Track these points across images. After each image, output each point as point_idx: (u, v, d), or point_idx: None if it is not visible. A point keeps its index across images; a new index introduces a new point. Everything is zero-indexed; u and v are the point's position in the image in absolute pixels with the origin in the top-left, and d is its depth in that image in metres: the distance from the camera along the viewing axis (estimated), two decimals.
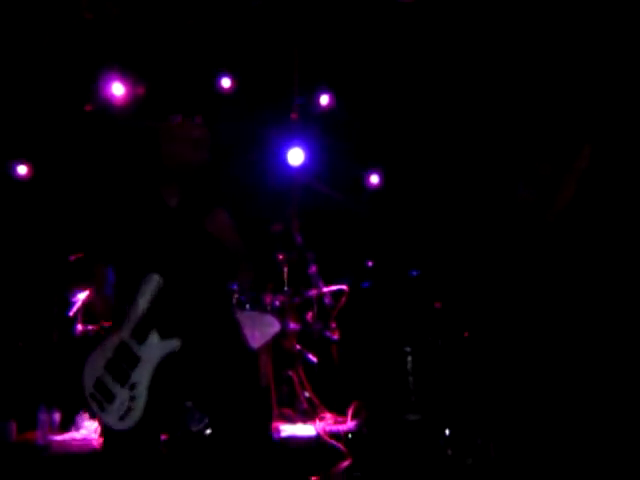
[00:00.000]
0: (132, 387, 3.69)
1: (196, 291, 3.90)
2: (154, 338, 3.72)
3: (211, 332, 3.94)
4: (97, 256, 3.99)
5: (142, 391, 3.68)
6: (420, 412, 5.40)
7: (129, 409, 3.66)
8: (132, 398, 3.67)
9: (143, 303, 3.74)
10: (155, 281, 3.77)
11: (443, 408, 5.39)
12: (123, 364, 3.72)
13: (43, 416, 5.79)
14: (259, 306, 6.65)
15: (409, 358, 5.73)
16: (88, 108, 7.11)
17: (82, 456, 5.45)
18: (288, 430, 6.06)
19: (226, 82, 7.25)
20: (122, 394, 3.69)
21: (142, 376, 3.69)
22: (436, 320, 6.42)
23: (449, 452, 4.95)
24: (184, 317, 3.82)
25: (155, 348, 3.72)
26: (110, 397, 3.71)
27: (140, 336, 3.73)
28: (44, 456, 5.47)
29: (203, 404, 4.07)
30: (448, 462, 4.98)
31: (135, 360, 3.72)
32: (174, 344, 3.72)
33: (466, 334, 6.34)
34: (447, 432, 5.05)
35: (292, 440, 5.84)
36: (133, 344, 3.73)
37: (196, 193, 4.03)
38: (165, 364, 3.74)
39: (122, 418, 3.67)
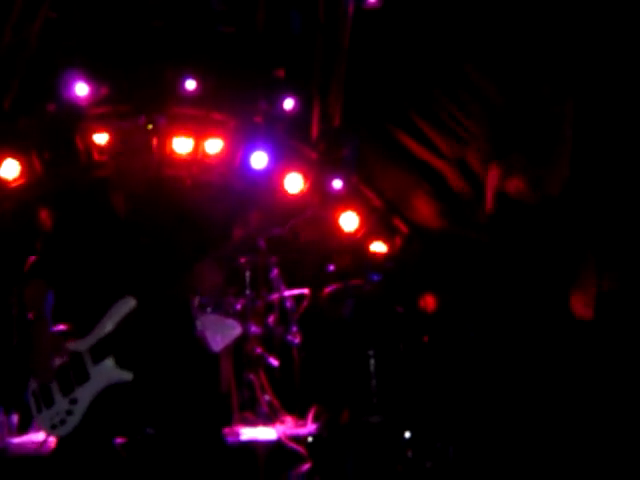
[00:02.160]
0: (72, 401, 3.63)
1: (163, 315, 3.81)
2: (109, 363, 3.66)
3: (172, 363, 3.86)
4: (38, 273, 3.85)
5: (80, 409, 3.62)
6: (382, 414, 5.43)
7: (62, 421, 3.62)
8: (69, 412, 3.62)
9: (110, 324, 3.68)
10: (130, 305, 3.70)
11: (404, 411, 5.43)
12: (72, 375, 3.66)
13: (1, 418, 5.73)
14: (221, 309, 6.65)
15: (372, 361, 5.76)
16: (50, 107, 7.05)
17: (40, 458, 5.38)
18: (249, 433, 6.05)
19: (191, 84, 7.21)
20: (61, 404, 3.64)
21: (85, 395, 3.63)
22: (398, 324, 6.47)
23: (409, 454, 4.98)
24: (146, 349, 3.74)
25: (107, 373, 3.65)
26: (49, 402, 3.65)
27: (97, 355, 3.66)
28: (1, 458, 5.41)
29: (158, 424, 3.96)
30: (408, 464, 5.01)
31: (84, 376, 3.66)
32: (125, 376, 3.65)
33: (425, 339, 6.40)
34: (407, 434, 5.07)
35: (253, 443, 5.83)
36: (87, 360, 3.67)
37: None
38: (111, 390, 3.67)
39: (54, 427, 3.63)
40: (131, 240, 3.90)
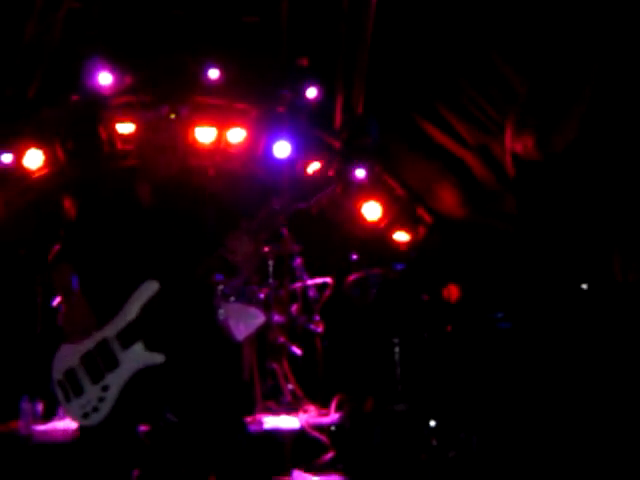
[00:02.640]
0: (104, 388, 3.58)
1: (187, 302, 3.78)
2: (139, 347, 3.62)
3: (197, 350, 3.85)
4: (63, 259, 3.84)
5: (113, 395, 3.58)
6: (406, 403, 5.42)
7: (95, 409, 3.57)
8: (101, 399, 3.58)
9: (135, 308, 3.64)
10: (153, 289, 3.66)
11: (429, 399, 5.41)
12: (100, 363, 3.62)
13: (26, 406, 5.77)
14: (244, 298, 6.65)
15: (396, 349, 5.74)
16: (74, 97, 7.07)
17: (64, 445, 5.42)
18: (272, 422, 6.05)
19: (213, 73, 7.21)
20: (92, 392, 3.60)
21: (116, 381, 3.59)
22: (422, 313, 6.45)
23: (434, 443, 4.96)
24: (173, 332, 3.72)
25: (137, 357, 3.62)
26: (79, 391, 3.61)
27: (125, 341, 3.62)
28: (26, 446, 5.45)
29: (180, 412, 3.96)
30: (432, 453, 4.99)
31: (114, 363, 3.62)
32: (157, 359, 3.62)
33: (449, 328, 6.37)
34: (433, 423, 5.05)
35: (275, 432, 5.83)
36: (116, 346, 3.63)
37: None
38: (143, 374, 3.63)
39: (86, 416, 3.59)
40: (154, 227, 3.88)
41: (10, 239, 6.79)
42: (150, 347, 3.62)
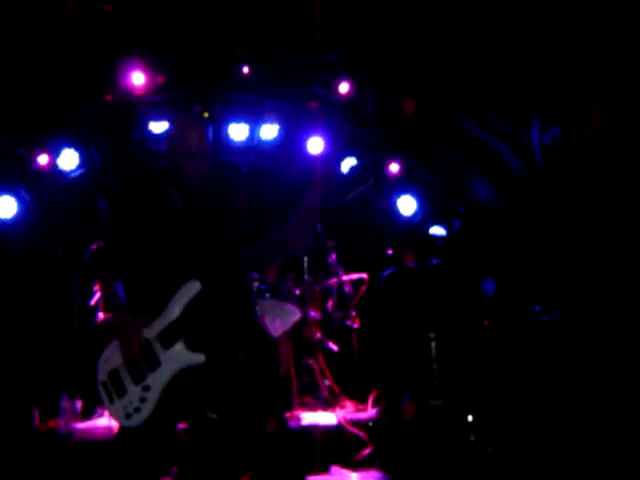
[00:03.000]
0: (145, 388, 3.63)
1: (227, 301, 3.85)
2: (180, 347, 3.65)
3: (236, 348, 3.87)
4: (106, 266, 3.86)
5: (154, 395, 3.61)
6: (443, 398, 5.39)
7: (137, 409, 3.61)
8: (142, 399, 3.62)
9: (177, 308, 3.68)
10: (195, 288, 3.69)
11: (466, 394, 5.37)
12: (142, 363, 3.66)
13: (65, 404, 5.82)
14: (279, 295, 6.66)
15: (433, 344, 5.71)
16: (108, 97, 7.11)
17: (103, 444, 5.46)
18: (309, 418, 6.05)
19: (245, 70, 7.21)
20: (134, 392, 3.64)
21: (158, 380, 3.63)
22: (458, 307, 6.41)
23: (471, 438, 4.92)
24: (214, 332, 3.78)
25: (179, 357, 3.64)
26: (121, 391, 3.66)
27: (166, 341, 3.66)
28: (66, 444, 5.50)
29: (219, 409, 3.97)
30: (470, 448, 4.96)
31: (155, 363, 3.66)
32: (198, 359, 3.64)
33: (485, 322, 6.32)
34: (470, 418, 5.02)
35: (313, 428, 5.83)
36: (157, 347, 3.67)
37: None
38: (184, 374, 3.67)
39: (128, 416, 3.62)
40: (189, 227, 3.92)
41: (48, 239, 6.85)
42: (191, 347, 3.64)
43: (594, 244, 5.54)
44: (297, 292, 6.73)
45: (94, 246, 6.02)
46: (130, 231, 3.88)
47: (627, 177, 4.62)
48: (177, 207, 3.94)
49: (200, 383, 3.80)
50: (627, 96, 4.50)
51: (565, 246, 5.90)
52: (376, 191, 7.85)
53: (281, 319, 6.49)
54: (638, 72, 4.46)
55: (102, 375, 3.73)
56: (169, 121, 7.22)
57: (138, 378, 3.64)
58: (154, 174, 4.34)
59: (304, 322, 6.65)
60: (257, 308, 6.33)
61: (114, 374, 3.69)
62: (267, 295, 6.61)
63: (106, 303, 3.87)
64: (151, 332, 3.68)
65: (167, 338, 3.66)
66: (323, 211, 6.89)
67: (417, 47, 6.98)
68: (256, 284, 6.44)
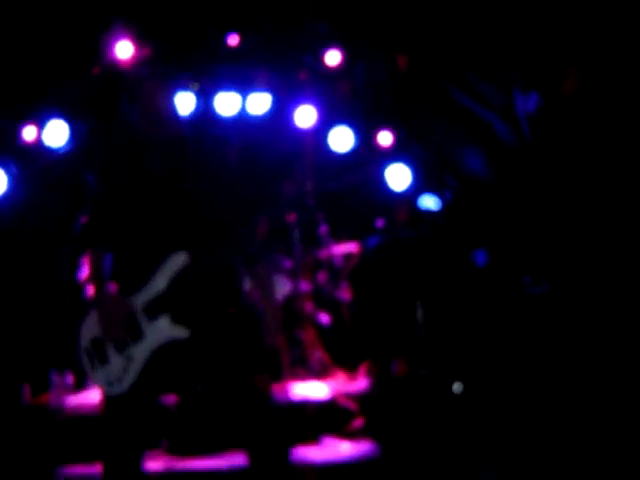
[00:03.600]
0: (128, 358, 3.59)
1: (215, 274, 3.74)
2: (165, 320, 3.60)
3: (221, 327, 3.77)
4: (94, 242, 3.82)
5: (137, 366, 3.57)
6: (430, 366, 5.41)
7: (119, 378, 3.57)
8: (125, 369, 3.57)
9: (163, 279, 3.62)
10: (181, 259, 3.63)
11: (454, 362, 5.40)
12: (126, 334, 3.61)
13: (56, 379, 5.82)
14: (270, 267, 6.66)
15: (420, 312, 5.72)
16: (95, 71, 7.05)
17: (95, 418, 5.46)
18: (300, 390, 6.07)
19: (233, 39, 7.15)
20: (117, 361, 3.59)
21: (141, 352, 3.59)
22: (449, 277, 6.42)
23: (458, 407, 4.96)
24: (200, 306, 3.69)
25: (163, 330, 3.60)
26: (104, 359, 3.62)
27: (151, 313, 3.61)
28: (57, 418, 5.51)
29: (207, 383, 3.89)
30: (458, 416, 4.99)
31: (139, 334, 3.61)
32: (182, 333, 3.59)
33: (477, 292, 6.33)
34: (456, 387, 5.05)
35: (304, 400, 5.86)
36: (142, 318, 3.62)
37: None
38: (167, 348, 3.61)
39: (110, 384, 3.59)
40: (174, 197, 3.80)
41: (37, 214, 6.83)
42: (176, 320, 3.59)
43: (583, 214, 5.53)
44: (287, 264, 6.73)
45: (83, 220, 6.00)
46: (116, 203, 3.79)
47: (611, 139, 4.60)
48: (158, 175, 3.84)
49: (187, 356, 3.68)
50: (602, 56, 4.49)
51: (555, 218, 5.90)
52: (367, 161, 7.82)
53: (273, 291, 6.51)
54: (611, 32, 4.44)
55: (85, 341, 3.68)
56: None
57: (121, 347, 3.59)
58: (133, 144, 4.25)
59: (295, 294, 6.66)
60: (247, 280, 6.34)
61: (97, 342, 3.64)
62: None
63: (93, 277, 3.75)
64: (136, 303, 3.63)
65: (152, 310, 3.61)
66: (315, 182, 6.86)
67: (406, 16, 6.93)
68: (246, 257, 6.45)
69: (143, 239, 3.74)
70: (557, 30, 4.77)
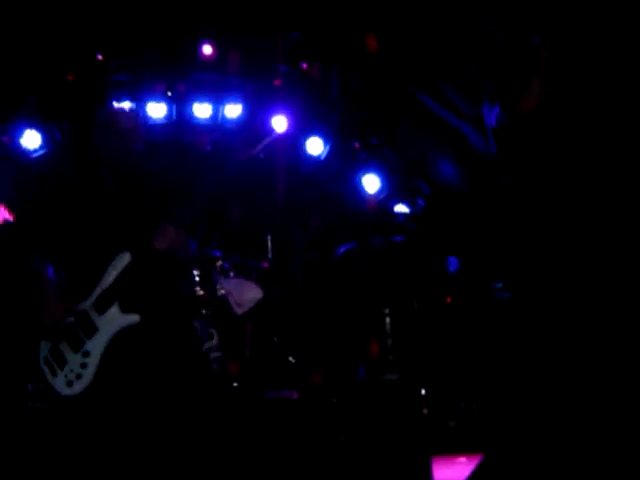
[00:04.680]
0: (85, 354, 3.70)
1: (157, 269, 3.89)
2: (114, 310, 3.73)
3: (167, 312, 3.93)
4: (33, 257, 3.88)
5: (94, 360, 3.68)
6: (398, 372, 5.44)
7: (78, 375, 3.67)
8: (83, 365, 3.68)
9: (110, 277, 3.76)
10: (126, 258, 3.78)
11: (421, 369, 5.45)
12: (80, 332, 3.72)
13: None
14: (243, 273, 6.70)
15: (387, 319, 5.77)
16: (70, 77, 7.10)
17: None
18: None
19: (208, 49, 7.21)
20: (74, 360, 3.69)
21: (96, 345, 3.70)
22: (421, 283, 6.47)
23: (425, 411, 5.01)
24: (146, 294, 3.83)
25: (114, 320, 3.73)
26: (62, 362, 3.71)
27: (101, 307, 3.73)
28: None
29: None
30: (426, 422, 5.04)
31: (92, 329, 3.72)
32: (132, 319, 3.74)
33: (449, 299, 6.40)
34: (423, 392, 5.10)
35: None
36: (93, 314, 3.73)
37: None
38: (121, 337, 3.74)
39: (70, 384, 3.67)
40: (122, 206, 3.93)
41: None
42: (124, 309, 3.72)
43: (555, 219, 5.61)
44: (261, 270, 6.78)
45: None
46: (65, 212, 3.88)
47: (575, 152, 4.68)
48: (109, 186, 3.94)
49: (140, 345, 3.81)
50: (567, 70, 4.56)
51: (527, 224, 5.97)
52: (341, 169, 7.90)
53: (244, 297, 6.54)
54: (582, 47, 4.52)
55: (44, 351, 3.75)
56: (132, 100, 7.22)
57: (77, 346, 3.69)
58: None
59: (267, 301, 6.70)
60: (219, 286, 6.38)
61: (55, 349, 3.72)
62: (231, 274, 6.66)
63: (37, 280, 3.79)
64: (87, 304, 3.74)
65: (102, 304, 3.73)
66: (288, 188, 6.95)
67: (380, 25, 7.01)
68: (219, 263, 6.49)
69: (91, 246, 3.86)
70: (524, 39, 4.85)
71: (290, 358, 6.63)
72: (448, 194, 7.58)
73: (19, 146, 6.99)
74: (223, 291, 6.44)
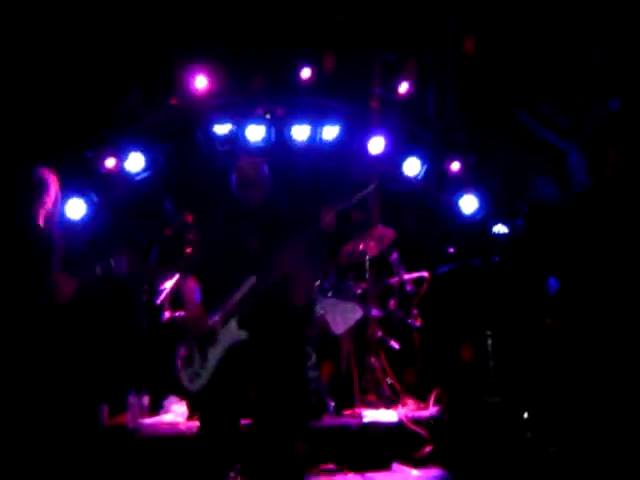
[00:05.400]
0: (205, 359, 4.39)
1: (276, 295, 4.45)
2: (232, 324, 4.39)
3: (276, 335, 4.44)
4: (188, 271, 4.65)
5: (210, 366, 4.36)
6: (500, 395, 5.38)
7: (197, 374, 4.37)
8: (202, 366, 4.38)
9: (237, 297, 4.41)
10: (251, 281, 4.40)
11: (523, 391, 5.36)
12: (206, 338, 4.40)
13: (133, 400, 5.98)
14: (342, 293, 6.72)
15: (489, 341, 5.71)
16: (173, 102, 7.27)
17: (170, 439, 5.61)
18: (371, 416, 6.10)
19: (306, 72, 7.30)
20: (197, 361, 4.40)
21: (215, 352, 4.37)
22: (520, 305, 6.38)
23: (528, 435, 4.92)
24: (260, 316, 4.40)
25: (230, 333, 4.39)
26: (190, 361, 4.42)
27: (225, 320, 4.40)
28: (134, 438, 5.65)
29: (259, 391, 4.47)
30: (527, 445, 4.95)
31: (214, 339, 4.39)
32: (242, 335, 4.37)
33: (549, 321, 6.28)
34: (525, 415, 5.02)
35: (375, 425, 5.89)
36: (218, 327, 4.41)
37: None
38: (234, 351, 4.37)
39: (192, 380, 4.38)
40: (254, 230, 4.53)
41: (115, 240, 7.03)
42: (241, 325, 4.38)
43: None
44: (358, 291, 6.79)
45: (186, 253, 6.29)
46: (206, 236, 4.80)
47: None
48: (249, 244, 4.53)
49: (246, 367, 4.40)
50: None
51: (627, 244, 5.84)
52: (438, 189, 7.87)
53: (343, 317, 6.56)
54: None
55: (182, 351, 4.48)
56: (233, 123, 7.39)
57: (202, 351, 4.40)
58: (219, 174, 4.83)
59: (366, 321, 6.70)
60: (319, 306, 6.42)
61: (190, 349, 4.45)
62: (329, 294, 6.69)
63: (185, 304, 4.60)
64: (215, 318, 4.41)
65: (226, 319, 4.41)
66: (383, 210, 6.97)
67: (476, 44, 6.98)
68: (318, 283, 6.53)
69: (224, 268, 4.50)
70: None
71: (388, 380, 6.64)
72: (547, 213, 7.46)
73: (123, 169, 7.22)
74: (322, 311, 6.48)
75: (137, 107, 7.06)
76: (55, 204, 4.62)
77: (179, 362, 4.46)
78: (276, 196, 4.85)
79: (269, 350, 4.40)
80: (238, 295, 4.41)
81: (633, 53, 5.21)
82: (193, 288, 4.54)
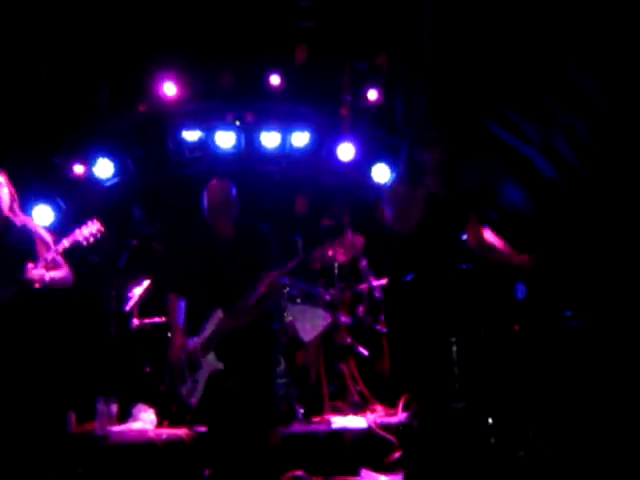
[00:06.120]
0: (195, 381, 5.05)
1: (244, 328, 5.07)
2: (212, 356, 5.05)
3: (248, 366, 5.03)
4: (172, 290, 5.22)
5: (199, 387, 5.02)
6: (464, 400, 5.39)
7: (192, 391, 5.02)
8: (194, 388, 5.03)
9: (210, 328, 5.07)
10: (218, 315, 5.07)
11: (487, 397, 5.38)
12: (194, 363, 5.06)
13: (101, 407, 5.95)
14: (310, 300, 6.74)
15: (454, 348, 5.72)
16: (141, 107, 7.24)
17: (138, 446, 5.59)
18: (339, 422, 6.12)
19: (275, 79, 7.30)
20: (189, 381, 5.05)
21: (201, 377, 5.04)
22: (488, 311, 6.41)
23: (492, 440, 4.95)
24: (230, 348, 5.03)
25: (210, 362, 5.04)
26: (184, 379, 5.06)
27: (205, 351, 5.07)
28: (102, 446, 5.62)
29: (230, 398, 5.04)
30: (493, 451, 4.98)
31: (199, 365, 5.07)
32: (219, 365, 5.03)
33: (516, 327, 6.32)
34: (490, 421, 5.04)
35: (343, 432, 5.90)
36: (200, 353, 5.07)
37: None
38: (216, 376, 5.02)
39: (189, 395, 5.03)
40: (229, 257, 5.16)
41: (83, 247, 6.99)
42: (218, 356, 5.04)
43: (626, 249, 5.54)
44: (327, 297, 6.80)
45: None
46: (179, 250, 5.31)
47: None
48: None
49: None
50: None
51: (597, 251, 5.90)
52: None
53: (312, 324, 6.58)
54: None
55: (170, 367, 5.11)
56: (202, 129, 7.38)
57: (192, 372, 5.05)
58: (189, 181, 5.03)
59: (335, 327, 6.72)
60: (287, 313, 6.43)
61: (181, 367, 5.08)
62: (298, 300, 6.71)
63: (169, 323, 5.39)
64: (198, 344, 5.08)
65: (205, 349, 5.07)
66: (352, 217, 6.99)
67: (446, 52, 7.01)
68: (286, 290, 6.54)
69: (197, 286, 5.14)
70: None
71: (357, 386, 6.66)
72: (516, 220, 7.51)
73: (92, 175, 7.18)
74: (290, 317, 6.49)
75: (105, 111, 7.01)
76: (13, 198, 4.69)
77: (177, 378, 5.05)
78: (244, 223, 5.21)
79: (239, 360, 4.98)
80: (208, 330, 5.06)
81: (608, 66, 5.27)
82: (176, 307, 5.16)
